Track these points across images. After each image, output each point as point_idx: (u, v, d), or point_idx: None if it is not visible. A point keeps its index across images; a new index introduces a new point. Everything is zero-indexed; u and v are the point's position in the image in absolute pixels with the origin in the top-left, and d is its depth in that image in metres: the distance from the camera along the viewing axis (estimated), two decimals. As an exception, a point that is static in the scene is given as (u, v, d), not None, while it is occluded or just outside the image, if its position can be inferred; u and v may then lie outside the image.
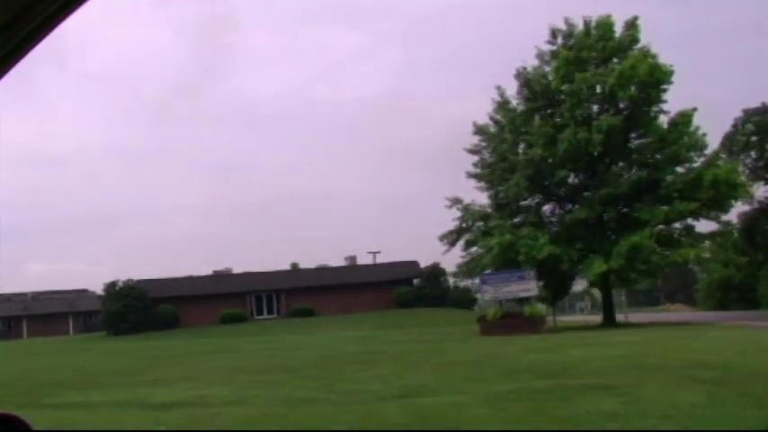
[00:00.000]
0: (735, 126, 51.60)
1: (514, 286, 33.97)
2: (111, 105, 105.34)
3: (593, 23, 37.59)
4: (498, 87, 38.69)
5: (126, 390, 14.72)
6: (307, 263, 67.42)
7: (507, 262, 34.72)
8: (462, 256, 38.84)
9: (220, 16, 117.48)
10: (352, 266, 65.65)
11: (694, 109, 35.45)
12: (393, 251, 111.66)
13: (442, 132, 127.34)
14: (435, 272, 62.17)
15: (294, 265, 66.49)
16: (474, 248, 38.66)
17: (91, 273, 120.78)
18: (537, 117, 36.84)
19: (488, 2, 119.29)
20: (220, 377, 17.06)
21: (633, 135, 36.15)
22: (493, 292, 34.31)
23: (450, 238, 39.20)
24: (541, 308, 34.58)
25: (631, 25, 37.22)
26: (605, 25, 37.08)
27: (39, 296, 75.68)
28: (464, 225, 38.85)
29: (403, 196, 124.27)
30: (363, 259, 67.46)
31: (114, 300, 57.27)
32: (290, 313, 59.81)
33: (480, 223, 38.56)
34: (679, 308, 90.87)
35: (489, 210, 38.44)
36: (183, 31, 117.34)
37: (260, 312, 61.09)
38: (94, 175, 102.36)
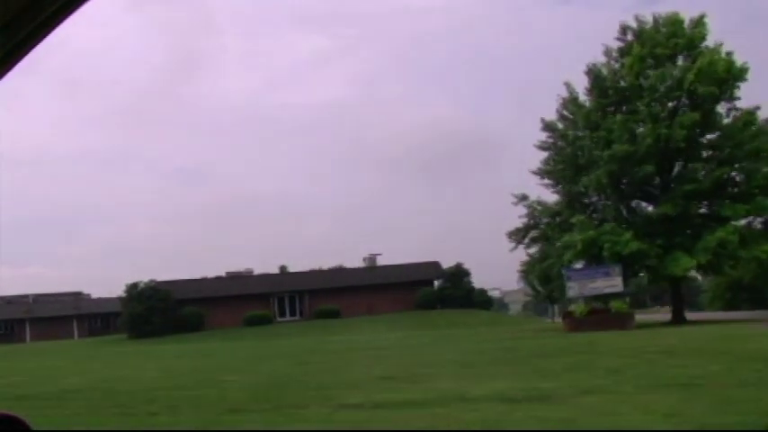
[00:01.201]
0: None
1: (600, 282, 33.72)
2: (73, 108, 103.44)
3: (660, 20, 37.70)
4: (568, 84, 38.51)
5: (383, 392, 13.85)
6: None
7: (590, 258, 34.47)
8: (531, 255, 38.50)
9: (183, 20, 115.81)
10: (371, 267, 64.80)
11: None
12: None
13: (405, 136, 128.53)
14: (459, 272, 61.79)
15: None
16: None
17: (52, 277, 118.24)
18: (610, 113, 36.70)
19: (450, 6, 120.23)
20: (443, 371, 16.33)
21: (709, 131, 36.22)
22: (578, 289, 34.00)
23: (518, 235, 38.84)
24: (625, 304, 34.34)
25: (698, 23, 37.38)
26: (675, 22, 37.16)
27: (40, 298, 73.16)
28: (532, 222, 38.53)
29: (367, 198, 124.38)
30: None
31: (137, 301, 55.51)
32: (314, 315, 58.72)
33: (547, 219, 38.34)
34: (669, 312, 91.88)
35: (557, 207, 38.17)
36: (147, 35, 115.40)
37: (282, 314, 59.87)
38: (55, 178, 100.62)
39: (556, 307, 78.62)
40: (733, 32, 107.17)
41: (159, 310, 55.25)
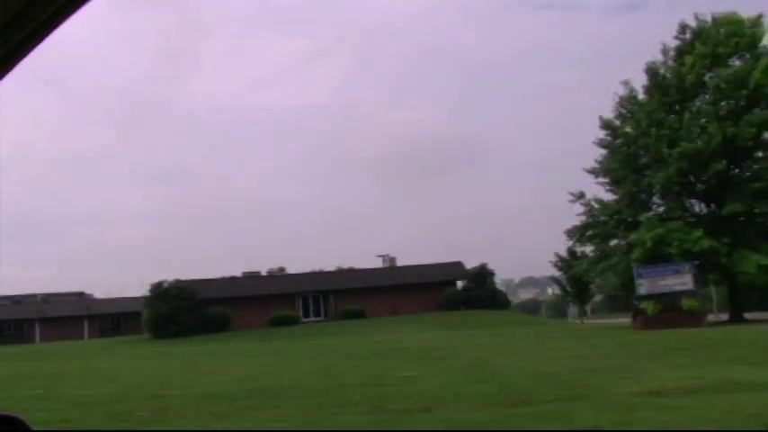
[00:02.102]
0: None
1: (670, 280, 33.55)
2: (55, 108, 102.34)
3: (718, 20, 37.74)
4: (626, 82, 38.41)
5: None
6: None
7: (657, 256, 34.28)
8: (592, 251, 38.25)
9: (167, 22, 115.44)
10: (393, 268, 64.22)
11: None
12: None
13: (388, 139, 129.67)
14: (483, 273, 61.49)
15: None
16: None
17: (28, 277, 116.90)
18: (673, 112, 36.63)
19: (433, 11, 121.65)
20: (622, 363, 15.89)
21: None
22: (649, 286, 33.78)
23: (577, 233, 38.61)
24: (696, 302, 34.18)
25: (756, 22, 37.47)
26: (735, 21, 37.21)
27: (49, 298, 71.47)
28: (591, 220, 38.32)
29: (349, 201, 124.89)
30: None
31: (162, 301, 54.31)
32: (339, 315, 57.97)
33: (604, 218, 38.14)
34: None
35: (617, 205, 37.98)
36: (131, 36, 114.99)
37: (307, 314, 59.02)
38: (34, 179, 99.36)
39: (570, 307, 79.01)
40: None
41: (185, 310, 54.15)
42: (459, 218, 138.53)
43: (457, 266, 63.00)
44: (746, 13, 38.00)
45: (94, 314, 69.60)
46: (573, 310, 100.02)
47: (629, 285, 35.41)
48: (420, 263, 63.43)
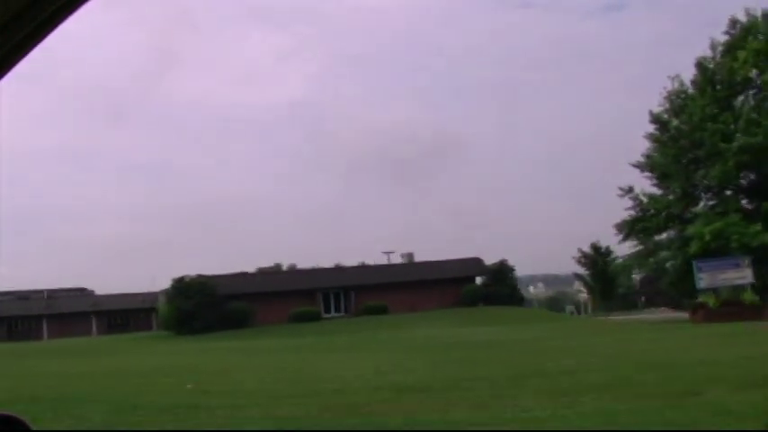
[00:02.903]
0: None
1: (730, 274, 33.52)
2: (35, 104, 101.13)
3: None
4: (675, 77, 38.38)
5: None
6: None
7: (714, 250, 34.26)
8: (634, 246, 38.22)
9: (144, 18, 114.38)
10: (410, 264, 63.77)
11: None
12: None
13: (362, 135, 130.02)
14: (502, 269, 61.27)
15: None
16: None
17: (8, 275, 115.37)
18: (726, 106, 36.64)
19: (411, 7, 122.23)
20: None
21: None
22: (709, 280, 33.72)
23: (627, 227, 38.50)
24: (757, 296, 34.18)
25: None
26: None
27: (54, 294, 69.95)
28: (641, 214, 38.24)
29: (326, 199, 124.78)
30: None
31: (184, 297, 53.28)
32: (361, 311, 57.38)
33: (650, 212, 38.08)
34: (665, 311, 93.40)
35: (669, 199, 37.92)
36: (108, 32, 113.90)
37: (327, 310, 58.36)
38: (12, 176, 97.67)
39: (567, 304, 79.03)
40: None
41: (207, 306, 53.21)
42: (459, 213, 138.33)
43: (476, 262, 62.72)
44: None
45: (102, 310, 68.22)
46: (570, 307, 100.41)
47: (684, 279, 35.32)
48: (437, 259, 63.21)
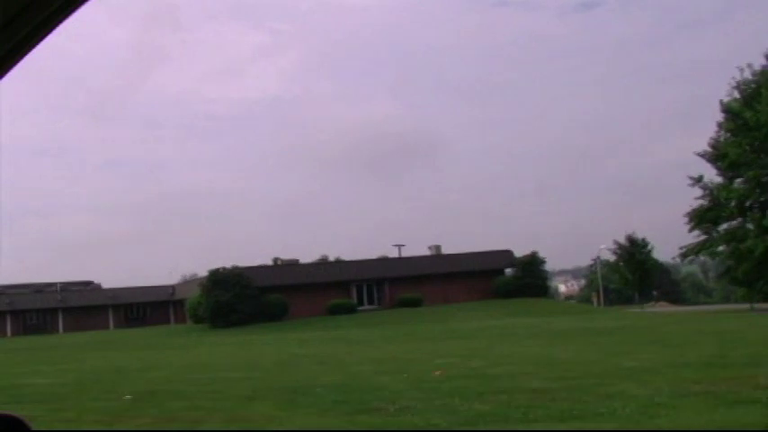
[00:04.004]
0: None
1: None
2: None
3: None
4: (747, 66, 38.35)
5: None
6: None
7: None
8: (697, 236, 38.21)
9: (120, 12, 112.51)
10: (440, 256, 63.18)
11: None
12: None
13: (342, 131, 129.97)
14: (533, 261, 61.04)
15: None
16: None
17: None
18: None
19: (386, 5, 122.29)
20: None
21: None
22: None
23: (696, 217, 38.43)
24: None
25: None
26: None
27: (68, 287, 68.06)
28: (713, 204, 38.18)
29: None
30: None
31: (221, 288, 52.01)
32: (395, 303, 56.68)
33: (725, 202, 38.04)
34: (665, 305, 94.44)
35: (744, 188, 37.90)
36: (83, 25, 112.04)
37: (361, 303, 57.54)
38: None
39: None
40: None
41: (245, 298, 52.08)
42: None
43: (506, 255, 62.40)
44: None
45: (119, 303, 66.50)
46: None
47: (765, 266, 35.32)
48: (467, 251, 62.83)
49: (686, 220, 38.91)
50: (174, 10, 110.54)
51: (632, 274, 56.14)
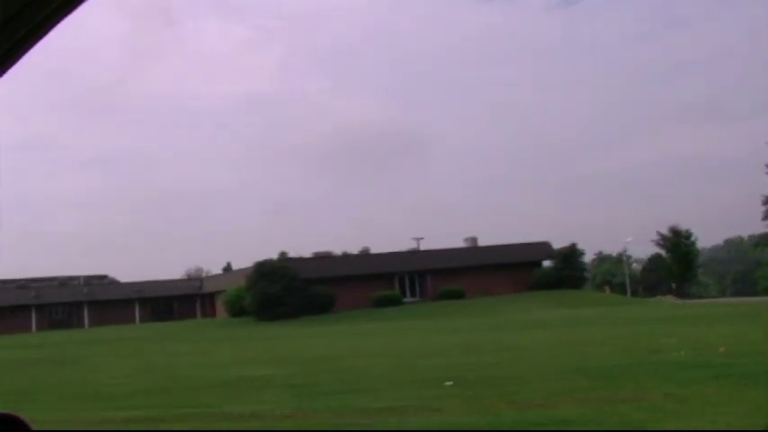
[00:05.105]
0: None
1: None
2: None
3: None
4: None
5: None
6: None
7: None
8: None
9: (103, 4, 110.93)
10: (477, 248, 62.46)
11: None
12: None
13: (325, 129, 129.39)
14: (573, 253, 60.64)
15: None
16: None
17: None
18: None
19: (373, 2, 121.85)
20: None
21: None
22: None
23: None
24: None
25: None
26: None
27: (91, 280, 66.13)
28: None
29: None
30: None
31: (269, 281, 50.65)
32: (438, 295, 55.85)
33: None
34: (672, 299, 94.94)
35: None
36: (72, 22, 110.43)
37: (403, 294, 56.59)
38: None
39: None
40: None
41: (292, 291, 50.84)
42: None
43: (544, 246, 61.90)
44: None
45: (146, 297, 64.68)
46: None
47: None
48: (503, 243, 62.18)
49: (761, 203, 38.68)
50: (158, 5, 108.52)
51: (677, 264, 56.02)
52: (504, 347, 19.83)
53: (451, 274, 57.26)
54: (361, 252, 59.87)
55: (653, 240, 56.57)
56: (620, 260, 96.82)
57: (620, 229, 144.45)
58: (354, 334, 32.05)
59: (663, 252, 57.40)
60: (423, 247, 62.08)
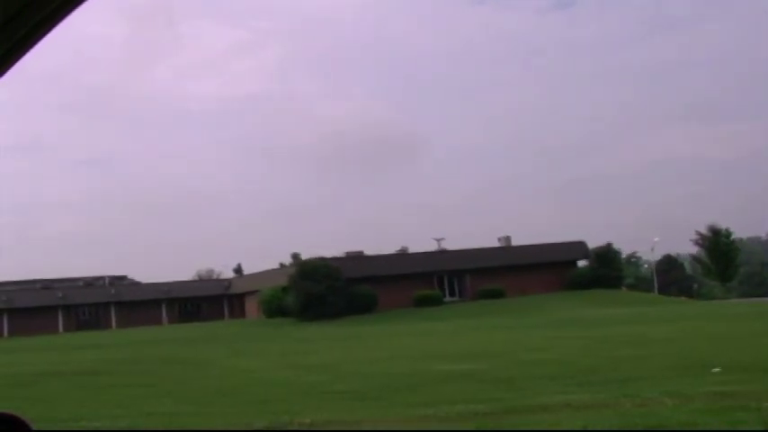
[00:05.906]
0: None
1: None
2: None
3: None
4: None
5: None
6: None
7: None
8: None
9: (96, 5, 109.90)
10: (510, 247, 61.83)
11: None
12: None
13: (322, 131, 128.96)
14: (608, 252, 60.22)
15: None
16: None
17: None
18: None
19: (366, 2, 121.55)
20: None
21: None
22: None
23: None
24: None
25: None
26: None
27: (115, 281, 64.81)
28: None
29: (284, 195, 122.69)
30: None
31: (312, 281, 49.67)
32: (477, 295, 55.19)
33: None
34: (686, 300, 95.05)
35: None
36: (64, 23, 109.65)
37: (443, 294, 55.86)
38: None
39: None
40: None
41: (335, 290, 49.93)
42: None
43: (579, 246, 61.43)
44: None
45: (173, 298, 63.45)
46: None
47: None
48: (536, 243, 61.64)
49: None
50: (153, 6, 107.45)
51: (716, 263, 55.77)
52: (653, 340, 19.23)
53: (488, 274, 56.63)
54: (399, 251, 59.03)
55: (692, 240, 56.14)
56: (630, 261, 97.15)
57: (624, 231, 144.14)
58: (454, 332, 31.13)
59: (702, 252, 56.95)
60: (445, 248, 61.59)
